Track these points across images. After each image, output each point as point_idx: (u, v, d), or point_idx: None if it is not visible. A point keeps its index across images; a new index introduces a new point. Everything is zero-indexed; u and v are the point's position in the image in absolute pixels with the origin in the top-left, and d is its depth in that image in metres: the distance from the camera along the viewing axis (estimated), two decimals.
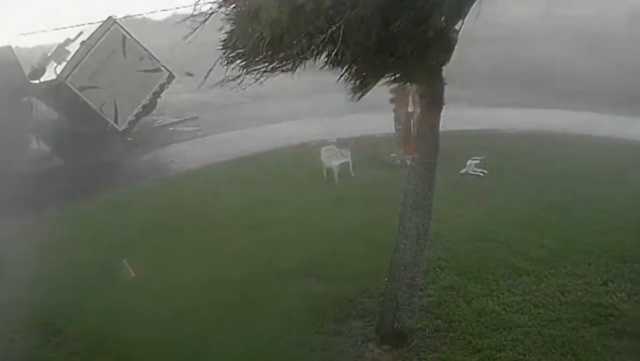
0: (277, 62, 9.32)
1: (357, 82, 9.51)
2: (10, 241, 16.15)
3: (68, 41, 27.89)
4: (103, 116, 25.73)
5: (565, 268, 12.96)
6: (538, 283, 12.48)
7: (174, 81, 27.47)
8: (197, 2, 9.63)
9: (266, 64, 9.44)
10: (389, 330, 10.94)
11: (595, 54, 30.87)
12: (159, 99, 27.51)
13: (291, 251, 14.50)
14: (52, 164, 24.67)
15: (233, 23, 9.62)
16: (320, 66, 9.37)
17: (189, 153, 24.36)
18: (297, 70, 9.47)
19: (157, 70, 26.95)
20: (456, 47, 9.77)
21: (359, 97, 9.73)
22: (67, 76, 25.15)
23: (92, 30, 26.25)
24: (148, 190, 20.29)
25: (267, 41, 8.90)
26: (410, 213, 10.56)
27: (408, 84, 18.77)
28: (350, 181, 19.24)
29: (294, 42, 8.76)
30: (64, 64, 25.73)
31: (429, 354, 10.81)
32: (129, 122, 26.51)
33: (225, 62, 9.77)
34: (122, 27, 26.37)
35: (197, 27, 9.59)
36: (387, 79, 9.75)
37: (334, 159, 19.71)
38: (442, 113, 10.42)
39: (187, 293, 13.00)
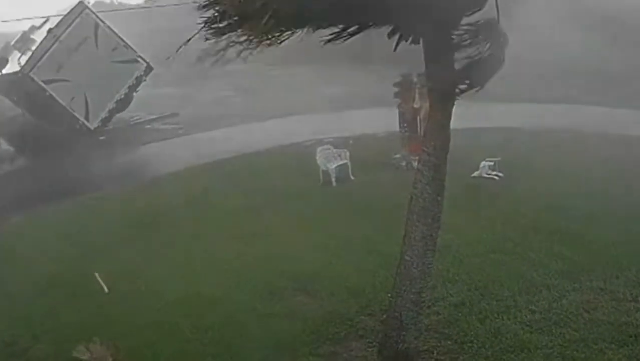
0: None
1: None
2: None
3: (33, 29, 27.89)
4: (72, 112, 25.74)
5: (591, 282, 12.92)
6: (560, 299, 12.43)
7: (152, 72, 27.48)
8: None
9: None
10: (393, 351, 10.88)
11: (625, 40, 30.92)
12: (135, 94, 27.51)
13: (282, 264, 14.44)
14: (15, 166, 24.63)
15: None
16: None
17: (169, 154, 24.33)
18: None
19: (133, 61, 26.98)
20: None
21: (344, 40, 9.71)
22: (32, 68, 25.15)
23: (61, 17, 26.24)
24: (122, 195, 20.23)
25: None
26: (417, 221, 10.51)
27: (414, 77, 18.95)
28: (349, 186, 19.21)
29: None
30: (29, 54, 25.75)
31: None
32: (102, 120, 26.54)
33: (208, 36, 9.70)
34: (94, 13, 26.38)
35: None
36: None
37: (330, 161, 19.69)
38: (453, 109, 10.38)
39: (164, 313, 12.93)
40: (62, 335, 12.58)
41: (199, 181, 20.57)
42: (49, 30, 25.81)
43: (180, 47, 9.78)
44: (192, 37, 9.54)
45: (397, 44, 9.83)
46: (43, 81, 25.15)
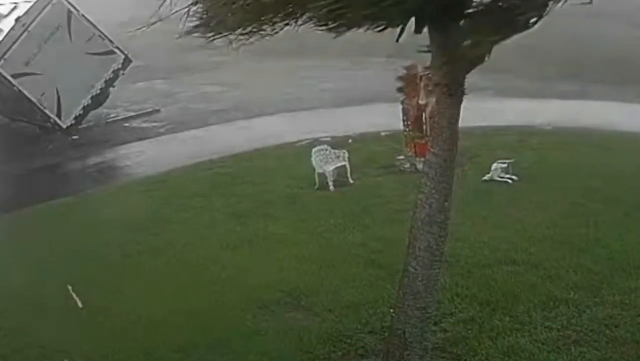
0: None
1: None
2: None
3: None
4: (43, 109, 25.71)
5: (613, 297, 12.92)
6: (579, 315, 12.43)
7: (130, 65, 27.46)
8: None
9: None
10: None
11: None
12: (112, 89, 27.49)
13: (274, 276, 14.43)
14: None
15: None
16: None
17: (149, 155, 24.32)
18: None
19: (110, 52, 26.95)
20: None
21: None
22: None
23: (30, 4, 26.20)
24: (96, 200, 20.22)
25: None
26: (422, 229, 10.51)
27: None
28: (348, 190, 19.20)
29: None
30: None
31: None
32: (75, 117, 26.51)
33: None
34: (67, 0, 26.34)
35: None
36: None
37: (327, 163, 19.65)
38: (463, 105, 10.37)
39: (142, 331, 12.91)
40: (32, 355, 12.60)
41: (181, 184, 20.55)
42: (17, 19, 25.75)
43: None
44: None
45: (401, 34, 9.79)
46: (11, 75, 25.12)
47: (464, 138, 10.63)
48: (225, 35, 9.74)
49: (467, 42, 9.64)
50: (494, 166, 18.91)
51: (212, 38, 9.87)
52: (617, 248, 14.59)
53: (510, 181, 18.62)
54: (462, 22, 9.69)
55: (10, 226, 18.63)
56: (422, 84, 19.30)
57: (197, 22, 9.85)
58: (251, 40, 9.71)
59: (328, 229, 16.58)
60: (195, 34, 9.94)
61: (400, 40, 9.77)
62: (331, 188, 19.26)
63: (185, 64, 34.68)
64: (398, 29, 9.58)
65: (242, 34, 9.65)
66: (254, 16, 9.33)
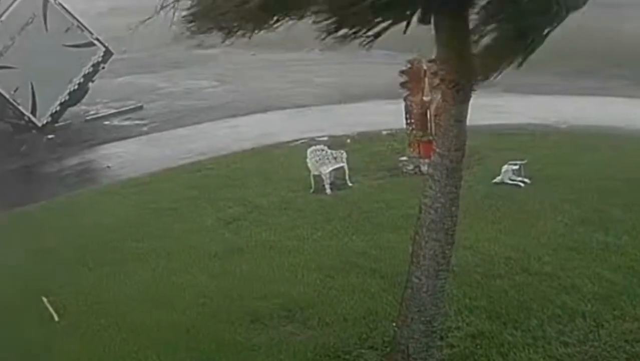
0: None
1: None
2: None
3: None
4: (16, 105, 25.69)
5: (634, 309, 12.93)
6: (597, 329, 12.44)
7: (111, 58, 27.44)
8: None
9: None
10: None
11: None
12: (91, 83, 27.48)
13: (268, 287, 14.42)
14: None
15: None
16: None
17: (131, 155, 24.32)
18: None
19: (89, 44, 26.93)
20: None
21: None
22: None
23: None
24: (73, 205, 20.19)
25: None
26: (427, 236, 10.51)
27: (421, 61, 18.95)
28: (346, 194, 19.19)
29: None
30: None
31: None
32: (52, 114, 26.50)
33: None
34: None
35: None
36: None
37: (324, 164, 19.65)
38: (470, 102, 10.38)
39: (126, 347, 12.89)
40: None
41: (167, 188, 20.54)
42: None
43: None
44: None
45: (408, 25, 9.78)
46: None
47: (472, 138, 10.63)
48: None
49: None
50: (504, 168, 18.91)
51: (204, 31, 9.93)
52: (637, 256, 14.60)
53: (522, 184, 18.62)
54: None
55: None
56: (426, 79, 19.28)
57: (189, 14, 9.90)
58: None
59: (325, 236, 16.57)
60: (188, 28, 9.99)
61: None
62: (328, 191, 19.24)
63: (170, 58, 34.71)
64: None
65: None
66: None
